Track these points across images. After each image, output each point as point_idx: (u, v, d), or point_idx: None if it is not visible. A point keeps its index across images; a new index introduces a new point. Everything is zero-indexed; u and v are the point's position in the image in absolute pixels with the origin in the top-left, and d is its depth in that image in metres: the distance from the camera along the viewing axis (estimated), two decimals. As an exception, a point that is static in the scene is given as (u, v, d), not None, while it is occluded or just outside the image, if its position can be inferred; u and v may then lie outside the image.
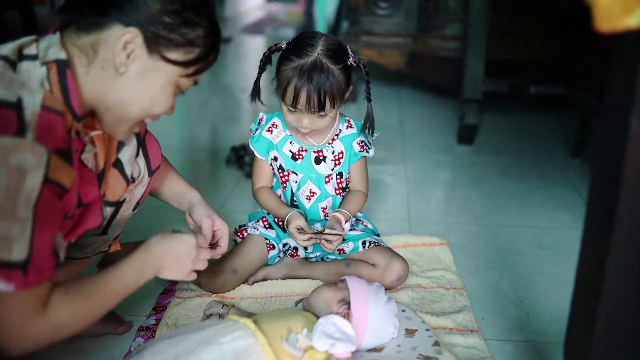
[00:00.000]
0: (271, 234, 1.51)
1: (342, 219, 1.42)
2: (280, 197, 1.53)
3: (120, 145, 1.17)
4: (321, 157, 1.48)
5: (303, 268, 1.51)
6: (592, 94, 2.22)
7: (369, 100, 1.45)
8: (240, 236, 1.53)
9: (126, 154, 1.18)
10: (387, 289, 1.42)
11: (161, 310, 1.39)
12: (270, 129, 1.49)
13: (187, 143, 2.70)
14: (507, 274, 1.59)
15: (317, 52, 1.33)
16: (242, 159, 2.30)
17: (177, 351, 1.07)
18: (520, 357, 1.27)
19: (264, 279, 1.49)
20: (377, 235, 1.58)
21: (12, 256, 0.85)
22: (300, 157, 1.48)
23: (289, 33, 5.69)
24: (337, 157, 1.49)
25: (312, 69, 1.31)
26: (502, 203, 2.05)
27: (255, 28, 5.95)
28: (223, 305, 1.31)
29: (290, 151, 1.48)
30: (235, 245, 1.52)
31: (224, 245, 1.28)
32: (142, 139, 1.24)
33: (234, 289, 1.45)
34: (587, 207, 0.80)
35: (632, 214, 0.72)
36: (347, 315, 1.17)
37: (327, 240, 1.39)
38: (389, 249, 1.48)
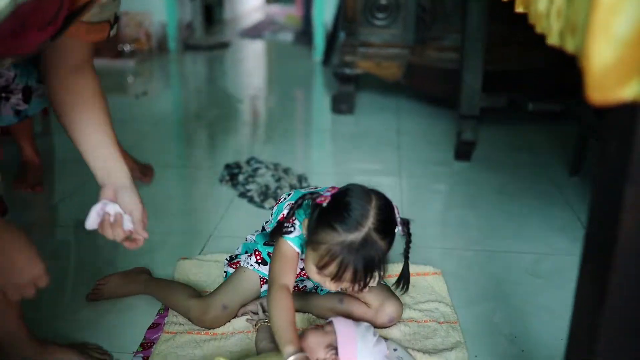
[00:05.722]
0: (264, 270, 1.45)
1: None
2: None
3: None
4: None
5: (295, 300, 1.48)
6: (589, 110, 2.19)
7: (406, 257, 1.34)
8: (234, 267, 1.50)
9: None
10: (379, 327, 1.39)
11: (149, 347, 1.36)
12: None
13: (180, 160, 2.67)
14: (502, 305, 1.56)
15: (368, 226, 1.17)
16: (235, 177, 2.27)
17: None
18: (513, 398, 1.25)
19: (255, 313, 1.45)
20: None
21: None
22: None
23: (287, 37, 5.66)
24: None
25: (362, 248, 1.15)
26: (498, 225, 2.02)
27: (254, 32, 5.92)
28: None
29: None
30: (226, 278, 1.49)
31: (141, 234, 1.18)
32: None
33: (224, 324, 1.42)
34: (579, 273, 0.77)
35: (627, 288, 0.70)
36: (335, 361, 1.15)
37: None
38: (384, 287, 1.44)
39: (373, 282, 1.24)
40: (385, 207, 1.22)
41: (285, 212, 1.34)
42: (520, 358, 1.37)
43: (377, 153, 2.73)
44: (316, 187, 2.20)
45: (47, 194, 2.19)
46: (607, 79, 0.62)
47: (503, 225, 2.02)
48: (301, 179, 2.29)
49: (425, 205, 2.18)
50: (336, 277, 1.18)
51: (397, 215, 1.25)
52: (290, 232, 1.30)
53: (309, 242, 1.23)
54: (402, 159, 2.62)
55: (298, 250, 1.30)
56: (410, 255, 1.33)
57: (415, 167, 2.54)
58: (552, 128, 3.01)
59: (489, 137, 2.88)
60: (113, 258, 1.79)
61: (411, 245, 1.31)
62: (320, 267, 1.20)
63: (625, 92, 0.62)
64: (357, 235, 1.16)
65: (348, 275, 1.17)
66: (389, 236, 1.21)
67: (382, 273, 1.23)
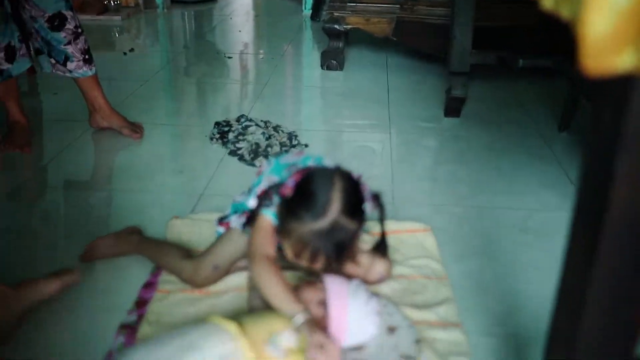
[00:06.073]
0: (254, 229, 1.47)
1: None
2: None
3: None
4: None
5: (284, 260, 1.49)
6: (577, 67, 2.19)
7: (382, 227, 1.35)
8: (225, 227, 1.51)
9: None
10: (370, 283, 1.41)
11: (143, 305, 1.38)
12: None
13: (170, 117, 2.65)
14: (491, 261, 1.59)
15: (334, 211, 1.16)
16: (225, 135, 2.26)
17: (156, 358, 1.06)
18: (500, 351, 1.28)
19: (246, 267, 1.47)
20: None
21: None
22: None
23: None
24: None
25: (330, 233, 1.16)
26: (487, 181, 2.03)
27: (241, -15, 5.81)
28: None
29: None
30: (217, 238, 1.50)
31: None
32: None
33: (216, 283, 1.44)
34: (568, 242, 0.78)
35: (618, 258, 0.71)
36: (325, 318, 1.17)
37: None
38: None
39: (351, 258, 1.27)
40: (351, 188, 1.22)
41: (263, 185, 1.35)
42: (509, 313, 1.40)
43: (367, 109, 2.72)
44: (305, 146, 2.22)
45: (36, 155, 2.18)
46: (603, 48, 0.62)
47: (493, 181, 2.04)
48: (292, 136, 2.28)
49: (414, 162, 2.19)
50: (310, 262, 1.20)
51: (365, 192, 1.26)
52: (268, 205, 1.31)
53: (281, 231, 1.24)
54: (392, 115, 2.62)
55: (275, 223, 1.29)
56: (397, 213, 1.34)
57: (405, 123, 2.54)
58: (542, 84, 3.01)
59: (479, 93, 2.87)
60: (105, 217, 1.79)
61: (385, 215, 1.33)
62: (296, 255, 1.22)
63: (620, 62, 0.62)
64: (324, 222, 1.16)
65: (322, 259, 1.19)
66: (358, 215, 1.22)
67: (356, 249, 1.26)
